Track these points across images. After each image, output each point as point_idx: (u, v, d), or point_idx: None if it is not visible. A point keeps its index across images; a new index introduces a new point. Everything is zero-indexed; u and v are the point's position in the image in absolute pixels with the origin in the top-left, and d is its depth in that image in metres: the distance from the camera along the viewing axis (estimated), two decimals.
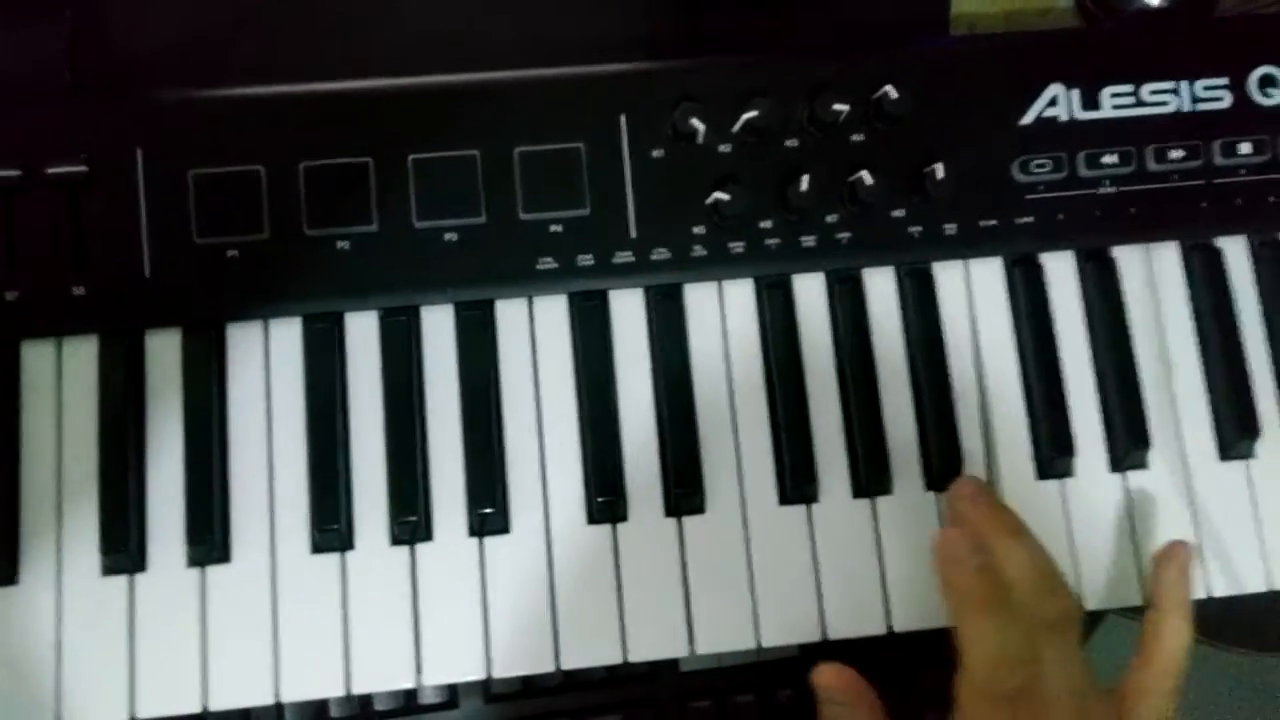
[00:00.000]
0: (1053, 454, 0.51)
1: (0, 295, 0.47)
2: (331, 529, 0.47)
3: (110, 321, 0.48)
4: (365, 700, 0.58)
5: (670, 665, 0.60)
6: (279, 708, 0.57)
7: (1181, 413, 0.52)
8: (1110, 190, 0.53)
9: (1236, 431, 0.52)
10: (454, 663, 0.48)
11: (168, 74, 0.49)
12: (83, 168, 0.48)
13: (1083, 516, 0.51)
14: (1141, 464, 0.52)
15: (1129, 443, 0.51)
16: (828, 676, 0.47)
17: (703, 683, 0.61)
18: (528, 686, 0.59)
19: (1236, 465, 0.52)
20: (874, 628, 0.49)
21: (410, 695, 0.58)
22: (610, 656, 0.48)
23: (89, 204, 0.48)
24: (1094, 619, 0.63)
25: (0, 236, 0.48)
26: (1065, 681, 0.44)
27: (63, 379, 0.48)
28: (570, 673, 0.59)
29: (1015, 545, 0.46)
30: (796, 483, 0.50)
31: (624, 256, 0.50)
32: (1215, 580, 0.51)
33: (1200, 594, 0.51)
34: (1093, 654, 0.60)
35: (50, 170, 0.48)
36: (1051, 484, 0.51)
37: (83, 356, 0.48)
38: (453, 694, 0.59)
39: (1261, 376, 0.53)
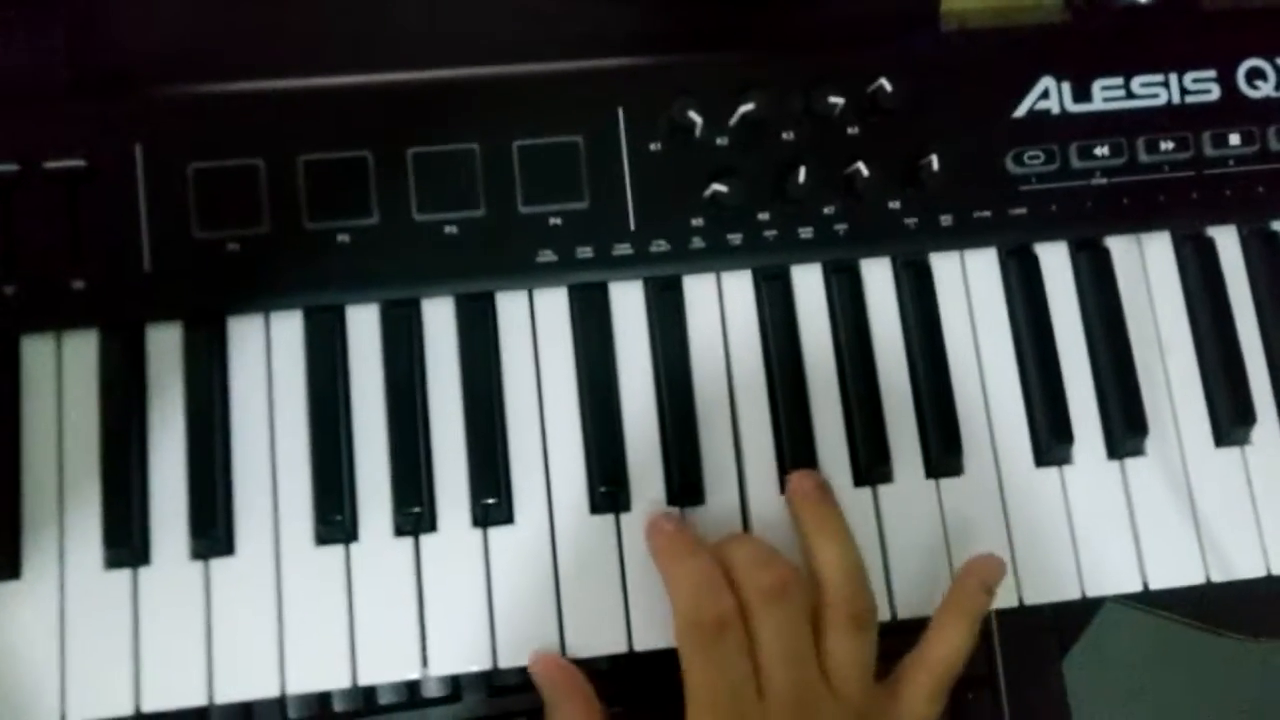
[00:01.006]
0: (1051, 441, 0.51)
1: (0, 290, 0.47)
2: (335, 520, 0.47)
3: (110, 315, 0.48)
4: (368, 694, 0.57)
5: (674, 657, 0.60)
6: (282, 701, 0.57)
7: (1177, 400, 0.53)
8: (1102, 181, 0.54)
9: (1231, 418, 0.52)
10: (459, 653, 0.48)
11: (167, 70, 0.49)
12: (82, 162, 0.48)
13: (1081, 504, 0.52)
14: (1138, 451, 0.52)
15: (1125, 430, 0.52)
16: (541, 666, 0.48)
17: None
18: (530, 680, 0.59)
19: (1232, 452, 0.53)
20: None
21: (413, 689, 0.58)
22: (614, 646, 0.48)
23: (88, 198, 0.48)
24: (1091, 606, 0.63)
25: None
26: (777, 644, 0.45)
27: (63, 373, 0.48)
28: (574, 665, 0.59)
29: (827, 542, 0.47)
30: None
31: (623, 249, 0.51)
32: (1212, 566, 0.52)
33: (1198, 580, 0.52)
34: (1093, 639, 0.61)
35: (49, 165, 0.48)
36: (1050, 472, 0.52)
37: (83, 350, 0.48)
38: (455, 687, 0.59)
39: (1255, 364, 0.54)
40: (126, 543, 0.46)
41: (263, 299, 0.49)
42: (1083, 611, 0.65)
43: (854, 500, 0.50)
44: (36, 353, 0.48)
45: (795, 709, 0.44)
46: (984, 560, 0.49)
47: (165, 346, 0.49)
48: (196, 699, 0.46)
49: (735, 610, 0.45)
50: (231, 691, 0.46)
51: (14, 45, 0.50)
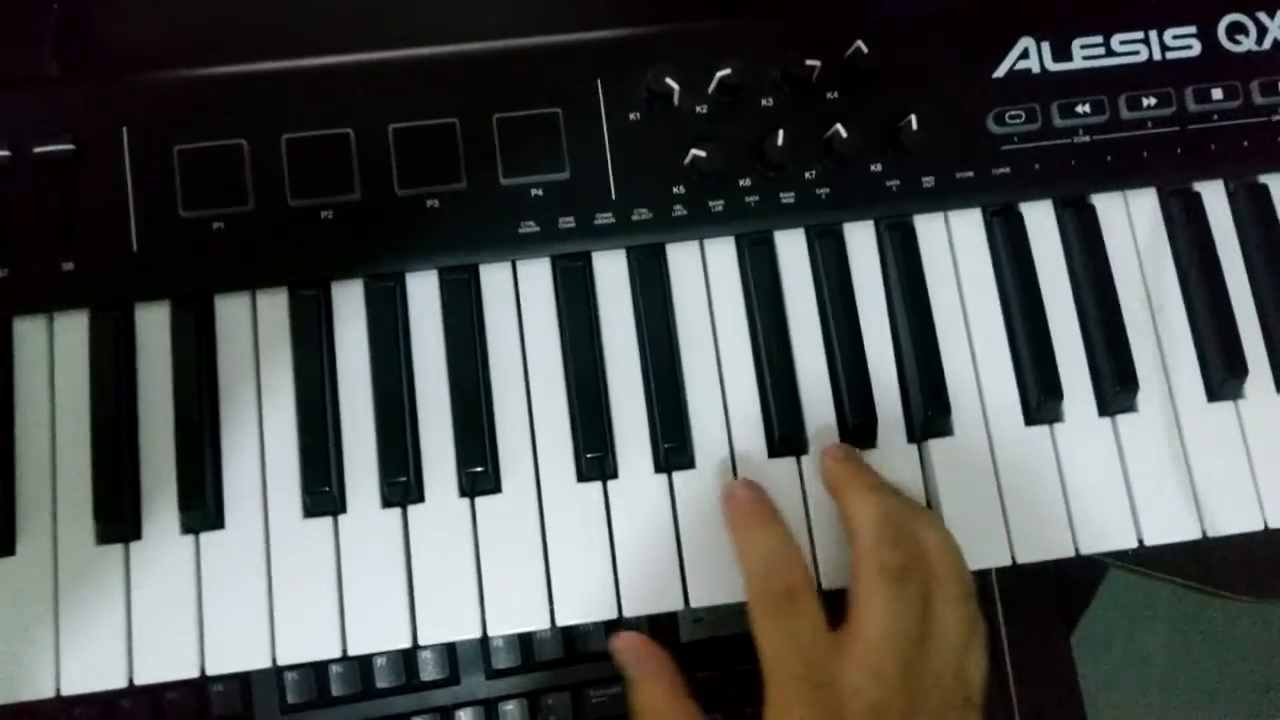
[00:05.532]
0: (1041, 399, 0.51)
1: None
2: (322, 492, 0.48)
3: (100, 296, 0.49)
4: (366, 677, 0.58)
5: (671, 636, 0.60)
6: (280, 686, 0.57)
7: (1168, 356, 0.53)
8: (1085, 139, 0.53)
9: (1224, 372, 0.52)
10: (449, 622, 0.48)
11: (151, 55, 0.50)
12: (70, 147, 0.49)
13: (1073, 462, 0.51)
14: (1130, 407, 0.52)
15: (1116, 386, 0.51)
16: (620, 643, 0.48)
17: (704, 653, 0.61)
18: (528, 660, 0.59)
19: (1225, 406, 0.52)
20: None
21: (411, 671, 0.58)
22: (605, 612, 0.48)
23: (77, 182, 0.49)
24: (1097, 571, 0.63)
25: None
26: (884, 622, 0.45)
27: (55, 353, 0.49)
28: (571, 646, 0.59)
29: (930, 527, 0.47)
30: (785, 436, 0.50)
31: (605, 218, 0.51)
32: (1208, 521, 0.51)
33: (1194, 535, 0.51)
34: (1100, 607, 0.60)
35: (39, 150, 0.49)
36: (1041, 430, 0.51)
37: (74, 331, 0.49)
38: (454, 669, 0.59)
39: (1246, 317, 0.53)
40: (117, 518, 0.47)
41: (249, 277, 0.50)
42: (1086, 580, 0.64)
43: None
44: (29, 334, 0.49)
45: (884, 681, 0.44)
46: (826, 450, 0.49)
47: (154, 325, 0.49)
48: (189, 671, 0.46)
49: (805, 581, 0.46)
50: (222, 663, 0.47)
51: (5, 36, 0.51)
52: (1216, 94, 0.54)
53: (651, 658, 0.48)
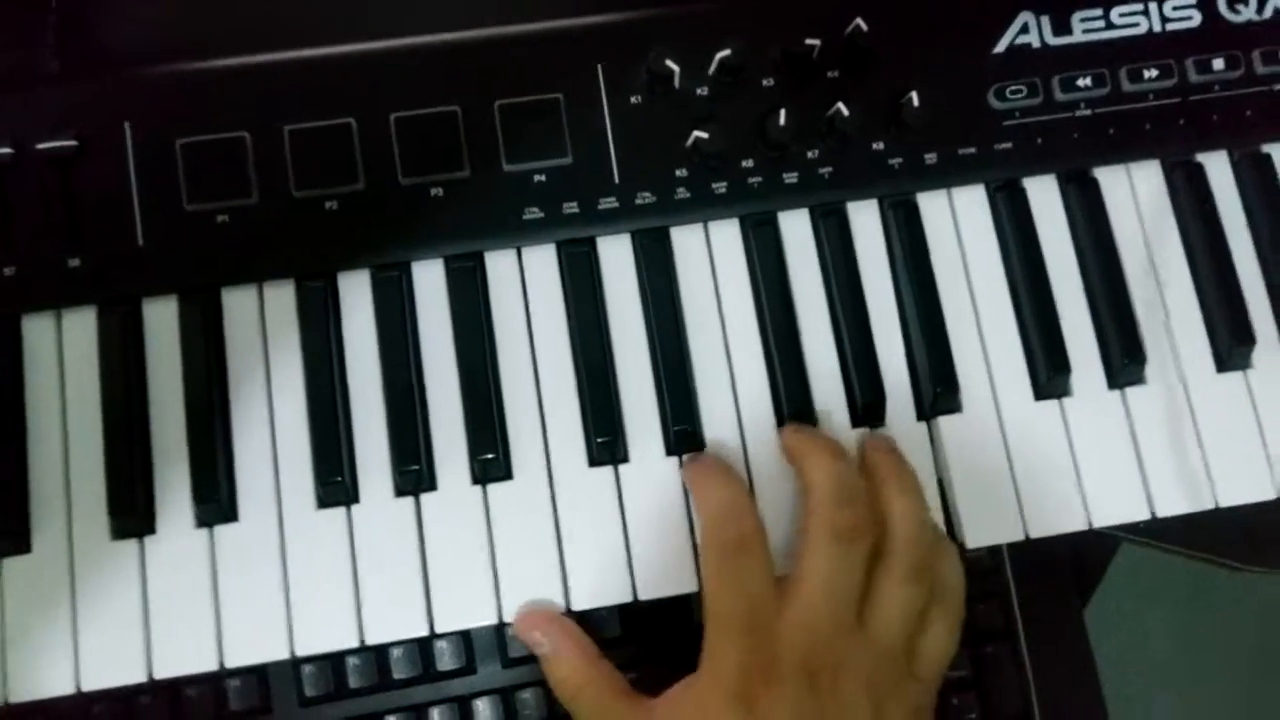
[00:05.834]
0: (1050, 373, 0.51)
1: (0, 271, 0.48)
2: (335, 482, 0.48)
3: (107, 291, 0.49)
4: (383, 668, 0.58)
5: (686, 618, 0.60)
6: (298, 679, 0.57)
7: (1175, 327, 0.53)
8: (1087, 113, 0.53)
9: (1231, 342, 0.52)
10: (465, 610, 0.48)
11: (152, 49, 0.50)
12: (73, 143, 0.49)
13: (1083, 435, 0.51)
14: (1139, 380, 0.52)
15: (1124, 359, 0.51)
16: (523, 623, 0.48)
17: None
18: None
19: (1234, 376, 0.52)
20: None
21: (428, 661, 0.58)
22: (619, 596, 0.48)
23: (81, 178, 0.49)
24: (1109, 546, 0.63)
25: None
26: (825, 579, 0.45)
27: (64, 350, 0.49)
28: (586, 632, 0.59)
29: (903, 494, 0.48)
30: (794, 415, 0.50)
31: (608, 203, 0.51)
32: (1220, 492, 0.51)
33: (1207, 505, 0.51)
34: (1113, 581, 0.60)
35: (41, 147, 0.49)
36: (1050, 404, 0.51)
37: (82, 327, 0.49)
38: (470, 659, 0.59)
39: (1252, 287, 0.53)
40: (132, 513, 0.47)
41: (255, 269, 0.50)
42: (1098, 555, 0.64)
43: (851, 442, 0.50)
44: (37, 331, 0.49)
45: (817, 636, 0.44)
46: (785, 426, 0.50)
47: (162, 320, 0.49)
48: (208, 664, 0.46)
49: (757, 531, 0.46)
50: (240, 655, 0.47)
51: (6, 36, 0.52)
52: (1218, 64, 0.54)
53: (560, 630, 0.48)
